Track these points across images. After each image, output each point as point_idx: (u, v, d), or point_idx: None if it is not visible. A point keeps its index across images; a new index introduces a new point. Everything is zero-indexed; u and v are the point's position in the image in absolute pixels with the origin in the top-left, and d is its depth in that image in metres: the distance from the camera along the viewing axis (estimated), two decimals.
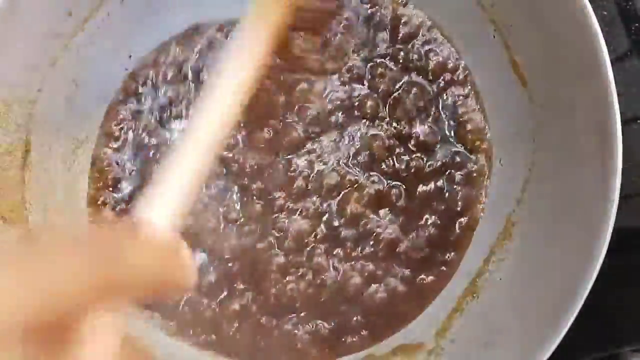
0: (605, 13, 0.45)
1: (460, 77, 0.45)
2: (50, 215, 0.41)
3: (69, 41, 0.41)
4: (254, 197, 0.44)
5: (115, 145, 0.45)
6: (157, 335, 0.43)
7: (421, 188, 0.44)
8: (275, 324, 0.43)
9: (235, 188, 0.44)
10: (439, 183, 0.44)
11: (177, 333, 0.43)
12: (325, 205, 0.44)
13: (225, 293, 0.43)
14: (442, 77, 0.45)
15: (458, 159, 0.45)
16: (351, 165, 0.45)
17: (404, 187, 0.44)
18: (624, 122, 0.35)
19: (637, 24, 0.44)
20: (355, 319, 0.43)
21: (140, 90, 0.46)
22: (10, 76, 0.38)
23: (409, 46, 0.46)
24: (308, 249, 0.44)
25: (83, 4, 0.41)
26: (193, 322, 0.43)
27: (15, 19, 0.37)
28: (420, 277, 0.44)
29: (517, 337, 0.37)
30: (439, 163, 0.44)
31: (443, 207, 0.44)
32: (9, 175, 0.39)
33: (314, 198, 0.44)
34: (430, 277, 0.44)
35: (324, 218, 0.44)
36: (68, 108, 0.43)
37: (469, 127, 0.45)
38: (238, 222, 0.44)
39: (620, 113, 0.34)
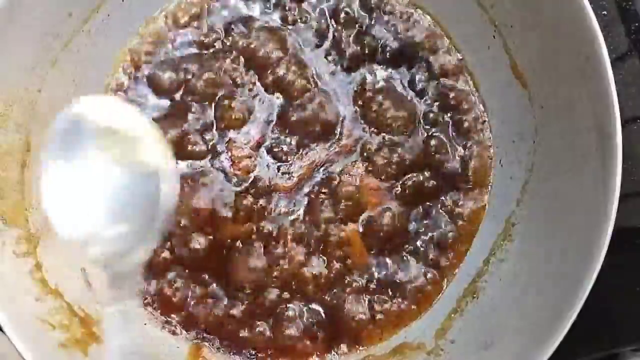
0: (605, 13, 0.45)
1: (462, 79, 0.45)
2: None
3: (69, 41, 0.41)
4: None
5: None
6: (157, 334, 0.43)
7: (421, 192, 0.44)
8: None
9: None
10: (439, 184, 0.45)
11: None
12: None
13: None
14: (443, 79, 0.45)
15: (458, 161, 0.45)
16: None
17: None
18: (624, 122, 0.35)
19: (637, 24, 0.44)
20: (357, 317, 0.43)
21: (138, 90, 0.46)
22: (10, 77, 0.38)
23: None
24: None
25: (83, 5, 0.41)
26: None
27: (16, 20, 0.37)
28: (421, 278, 0.44)
29: (517, 337, 0.37)
30: (439, 165, 0.45)
31: (444, 207, 0.44)
32: (9, 175, 0.39)
33: None
34: (431, 279, 0.44)
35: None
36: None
37: (469, 128, 0.45)
38: None
39: (620, 113, 0.34)
